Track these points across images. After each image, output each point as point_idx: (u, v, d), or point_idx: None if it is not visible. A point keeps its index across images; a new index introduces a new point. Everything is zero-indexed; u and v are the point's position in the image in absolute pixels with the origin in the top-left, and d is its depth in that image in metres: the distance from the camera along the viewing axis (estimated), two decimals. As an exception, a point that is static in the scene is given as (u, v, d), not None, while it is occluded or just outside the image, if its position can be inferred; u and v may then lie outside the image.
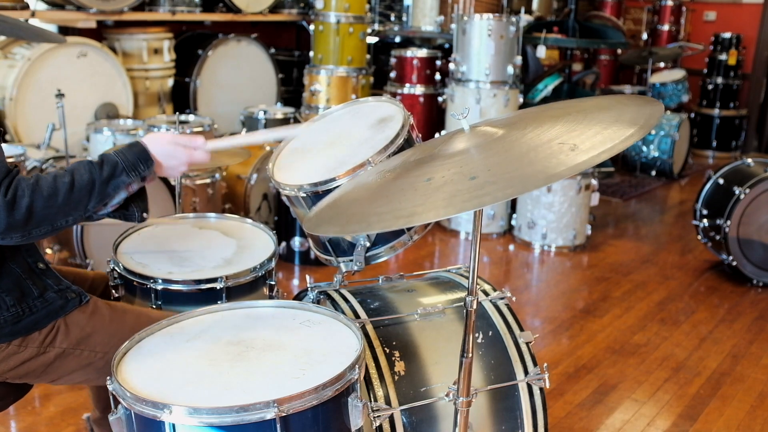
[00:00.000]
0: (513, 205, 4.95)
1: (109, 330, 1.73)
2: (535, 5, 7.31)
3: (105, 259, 2.10)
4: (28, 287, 1.67)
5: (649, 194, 6.29)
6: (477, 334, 1.86)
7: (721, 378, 3.15)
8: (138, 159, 1.58)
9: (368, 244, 1.89)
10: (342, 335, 1.57)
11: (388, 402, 1.70)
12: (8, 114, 4.09)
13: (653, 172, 6.71)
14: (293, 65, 6.15)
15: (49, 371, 1.72)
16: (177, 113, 2.87)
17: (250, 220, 2.36)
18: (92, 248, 3.37)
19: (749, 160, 4.37)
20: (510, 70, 4.86)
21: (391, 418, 1.70)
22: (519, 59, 4.91)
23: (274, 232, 2.27)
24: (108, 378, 1.40)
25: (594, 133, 1.29)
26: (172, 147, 1.64)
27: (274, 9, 5.54)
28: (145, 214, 1.66)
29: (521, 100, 5.17)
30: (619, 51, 7.85)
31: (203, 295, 1.95)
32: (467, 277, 1.78)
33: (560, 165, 1.22)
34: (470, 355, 1.51)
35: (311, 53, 5.26)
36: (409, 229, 1.89)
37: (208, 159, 1.73)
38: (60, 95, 3.12)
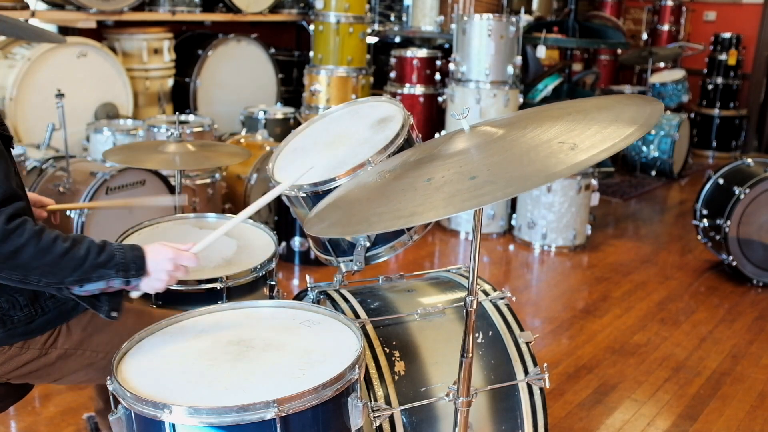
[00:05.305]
0: (513, 205, 4.95)
1: (110, 330, 1.73)
2: (535, 5, 7.30)
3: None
4: None
5: (649, 194, 6.29)
6: (477, 334, 1.86)
7: (721, 378, 3.15)
8: (133, 264, 1.55)
9: (368, 244, 1.89)
10: (342, 335, 1.57)
11: (388, 402, 1.70)
12: (8, 114, 4.09)
13: (653, 172, 6.71)
14: (293, 65, 6.14)
15: (51, 372, 1.73)
16: (177, 113, 2.87)
17: (250, 220, 2.36)
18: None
19: (749, 160, 4.37)
20: (510, 70, 4.86)
21: (391, 418, 1.70)
22: (519, 59, 4.91)
23: (274, 232, 2.26)
24: (108, 378, 1.40)
25: (594, 133, 1.29)
26: (167, 263, 1.58)
27: (274, 9, 5.54)
28: (113, 313, 1.61)
29: (521, 100, 5.16)
30: (619, 51, 7.84)
31: (203, 295, 1.95)
32: (467, 277, 1.78)
33: (560, 164, 1.22)
34: (470, 355, 1.51)
35: (311, 53, 5.26)
36: (409, 228, 1.89)
37: (194, 264, 1.63)
38: (60, 95, 3.11)
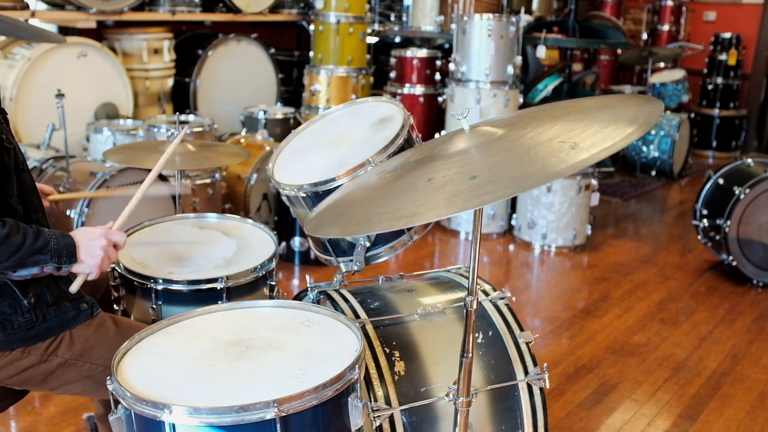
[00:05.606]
0: (513, 205, 4.95)
1: (112, 344, 1.72)
2: (535, 5, 7.30)
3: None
4: (44, 293, 1.69)
5: (649, 194, 6.29)
6: (477, 334, 1.86)
7: (721, 378, 3.15)
8: (65, 250, 1.61)
9: (368, 244, 1.89)
10: (342, 335, 1.57)
11: (388, 402, 1.70)
12: (8, 114, 4.09)
13: (653, 172, 6.71)
14: (293, 65, 6.14)
15: (49, 380, 1.72)
16: (177, 113, 2.87)
17: (250, 220, 2.36)
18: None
19: (749, 160, 4.37)
20: (510, 70, 4.86)
21: (391, 418, 1.70)
22: (519, 59, 4.91)
23: (274, 232, 2.26)
24: (108, 378, 1.40)
25: (594, 132, 1.29)
26: (100, 239, 1.66)
27: (274, 9, 5.54)
28: (33, 299, 1.68)
29: (521, 100, 5.16)
30: (619, 51, 7.84)
31: (203, 295, 1.95)
32: (467, 277, 1.78)
33: (561, 163, 1.22)
34: (470, 355, 1.51)
35: (311, 53, 5.26)
36: (409, 229, 1.89)
37: (124, 239, 1.74)
38: (60, 95, 3.12)
